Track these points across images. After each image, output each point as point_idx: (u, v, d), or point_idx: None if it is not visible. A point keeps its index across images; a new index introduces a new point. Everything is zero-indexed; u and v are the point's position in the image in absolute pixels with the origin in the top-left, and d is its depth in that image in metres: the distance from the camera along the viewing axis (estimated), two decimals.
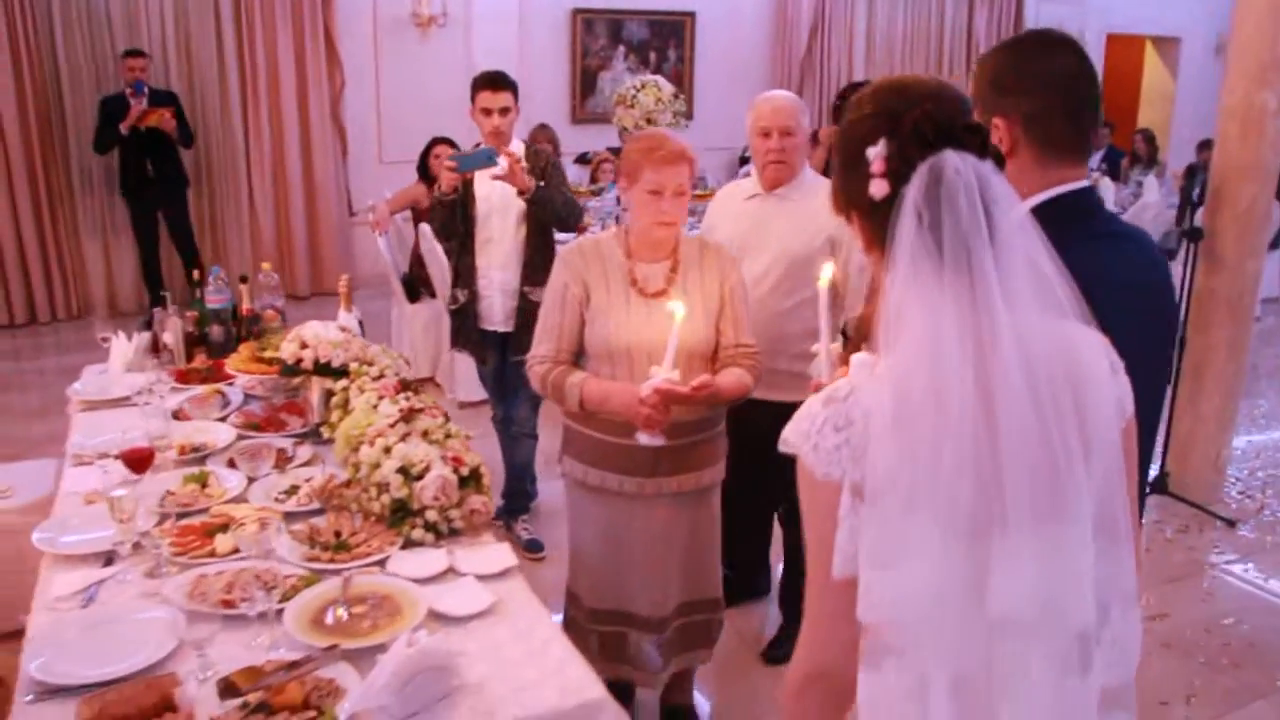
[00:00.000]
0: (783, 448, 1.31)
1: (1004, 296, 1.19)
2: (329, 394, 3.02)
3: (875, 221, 1.29)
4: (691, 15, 9.56)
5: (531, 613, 2.21)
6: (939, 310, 1.19)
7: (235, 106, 7.46)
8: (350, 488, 2.60)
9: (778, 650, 3.53)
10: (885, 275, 1.25)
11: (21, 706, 1.86)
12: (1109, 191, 8.32)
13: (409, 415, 2.71)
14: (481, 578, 2.30)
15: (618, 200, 6.53)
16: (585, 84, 9.25)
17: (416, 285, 6.20)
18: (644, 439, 2.48)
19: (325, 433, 2.96)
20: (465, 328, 4.23)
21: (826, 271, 1.89)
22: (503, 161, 3.88)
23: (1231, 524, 4.68)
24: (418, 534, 2.44)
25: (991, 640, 1.22)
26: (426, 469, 2.48)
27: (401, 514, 2.47)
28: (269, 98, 7.48)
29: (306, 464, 2.86)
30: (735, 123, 9.58)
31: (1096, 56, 12.00)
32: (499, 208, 4.13)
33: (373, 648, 2.01)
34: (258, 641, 2.03)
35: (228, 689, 1.85)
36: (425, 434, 2.63)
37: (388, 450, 2.54)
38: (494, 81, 4.04)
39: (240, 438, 2.99)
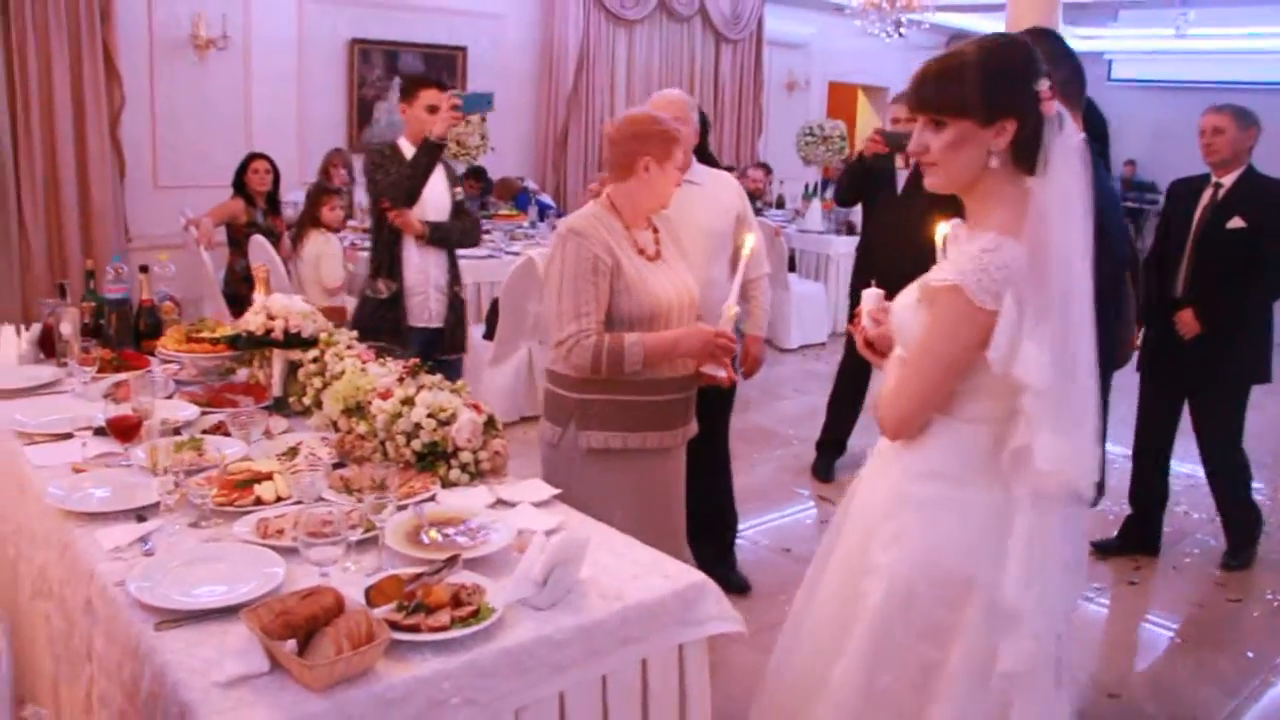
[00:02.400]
0: (939, 284, 1.84)
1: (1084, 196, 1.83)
2: (294, 365, 3.02)
3: (1025, 131, 1.84)
4: (463, 50, 9.74)
5: (595, 527, 2.36)
6: (1059, 200, 1.80)
7: (4, 124, 6.89)
8: (367, 440, 2.64)
9: None
10: (1002, 167, 1.86)
11: (148, 635, 1.82)
12: (816, 214, 9.27)
13: (413, 372, 2.78)
14: (536, 505, 2.43)
15: None
16: (362, 113, 9.21)
17: (239, 301, 6.00)
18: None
19: (301, 403, 2.95)
20: (388, 322, 4.23)
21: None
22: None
23: None
24: (455, 474, 2.53)
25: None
26: (454, 415, 2.58)
27: (431, 458, 2.54)
28: (41, 115, 6.95)
29: (285, 432, 2.85)
30: (509, 152, 9.88)
31: (820, 101, 13.20)
32: (435, 203, 4.31)
33: (487, 556, 2.12)
34: (359, 565, 2.08)
35: (373, 599, 1.90)
36: (433, 388, 2.71)
37: (408, 401, 2.61)
38: (439, 81, 4.33)
39: (204, 413, 2.92)
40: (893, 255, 4.82)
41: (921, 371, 1.88)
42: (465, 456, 2.55)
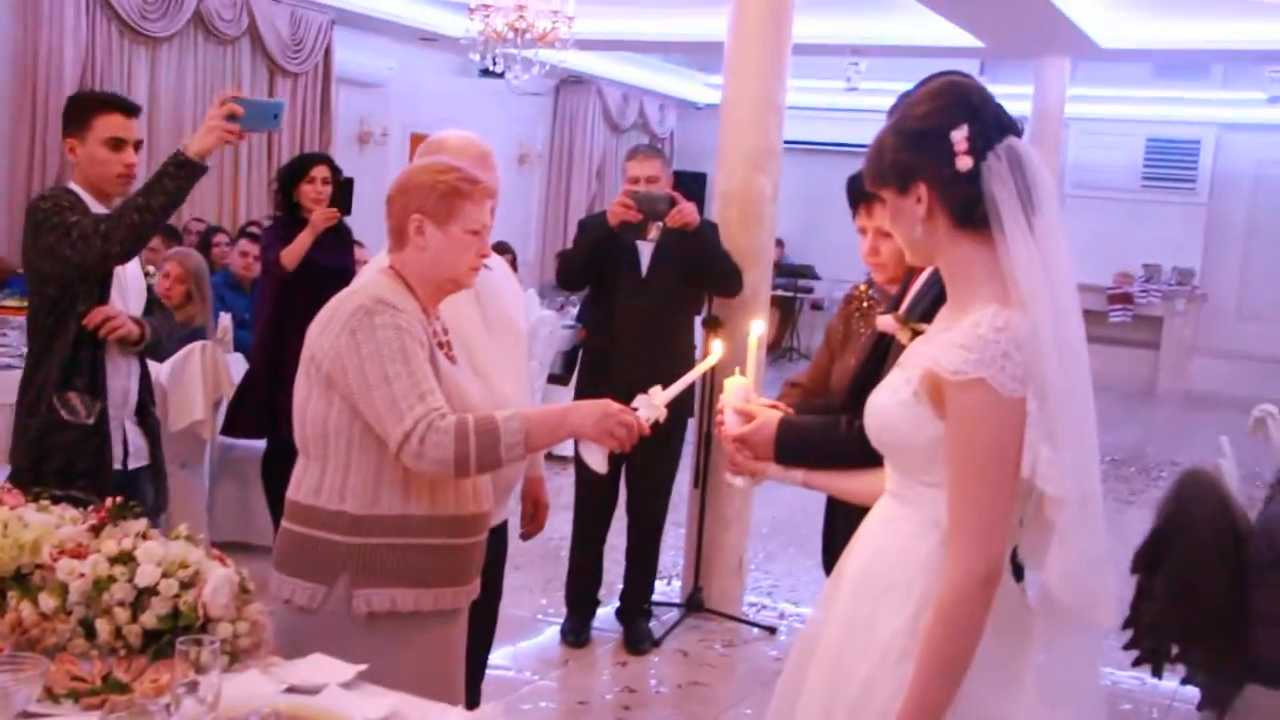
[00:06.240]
0: (956, 378, 1.53)
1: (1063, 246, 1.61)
2: None
3: (949, 191, 1.59)
4: None
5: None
6: (1039, 257, 1.56)
7: None
8: (57, 620, 1.86)
9: None
10: (947, 234, 1.62)
11: None
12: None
13: (116, 515, 2.02)
14: (345, 686, 1.84)
15: None
16: None
17: None
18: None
19: None
20: (90, 461, 2.85)
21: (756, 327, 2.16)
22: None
23: (773, 631, 4.62)
24: (209, 656, 1.82)
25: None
26: (198, 573, 1.90)
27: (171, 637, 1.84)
28: None
29: None
30: None
31: (401, 157, 10.65)
32: (134, 288, 3.02)
33: None
34: None
35: None
36: (144, 536, 1.98)
37: (122, 558, 1.88)
38: (123, 102, 2.98)
39: None
40: (637, 353, 3.93)
41: (973, 493, 1.56)
42: (224, 629, 1.87)
